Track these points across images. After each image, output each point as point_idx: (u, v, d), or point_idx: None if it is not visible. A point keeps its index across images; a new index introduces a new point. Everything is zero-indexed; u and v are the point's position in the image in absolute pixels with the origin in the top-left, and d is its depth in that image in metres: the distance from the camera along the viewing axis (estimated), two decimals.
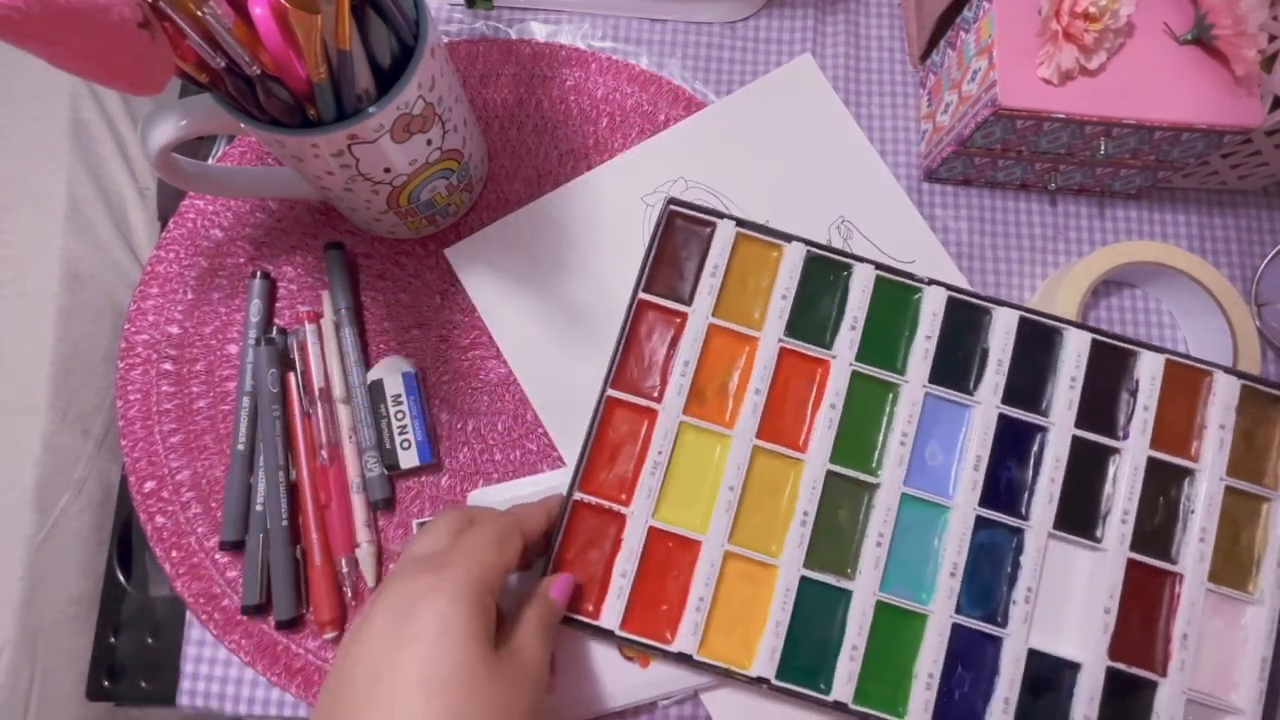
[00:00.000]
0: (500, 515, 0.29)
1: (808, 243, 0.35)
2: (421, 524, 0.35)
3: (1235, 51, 0.32)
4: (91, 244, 0.40)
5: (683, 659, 0.31)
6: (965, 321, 0.35)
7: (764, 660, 0.31)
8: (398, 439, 0.35)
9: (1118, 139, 0.35)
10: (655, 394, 0.34)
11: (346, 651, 0.24)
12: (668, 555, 0.33)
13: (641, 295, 0.35)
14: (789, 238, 0.35)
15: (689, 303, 0.35)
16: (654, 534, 0.33)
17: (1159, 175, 0.38)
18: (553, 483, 0.33)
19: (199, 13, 0.22)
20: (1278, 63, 0.33)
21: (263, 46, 0.24)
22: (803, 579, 0.32)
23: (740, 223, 0.35)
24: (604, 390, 0.34)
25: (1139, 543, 0.33)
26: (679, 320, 0.35)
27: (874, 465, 0.33)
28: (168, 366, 0.37)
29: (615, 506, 0.33)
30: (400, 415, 0.35)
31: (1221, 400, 0.34)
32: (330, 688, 0.24)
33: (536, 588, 0.30)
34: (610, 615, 0.32)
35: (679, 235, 0.36)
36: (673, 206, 0.36)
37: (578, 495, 0.33)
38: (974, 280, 0.39)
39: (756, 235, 0.36)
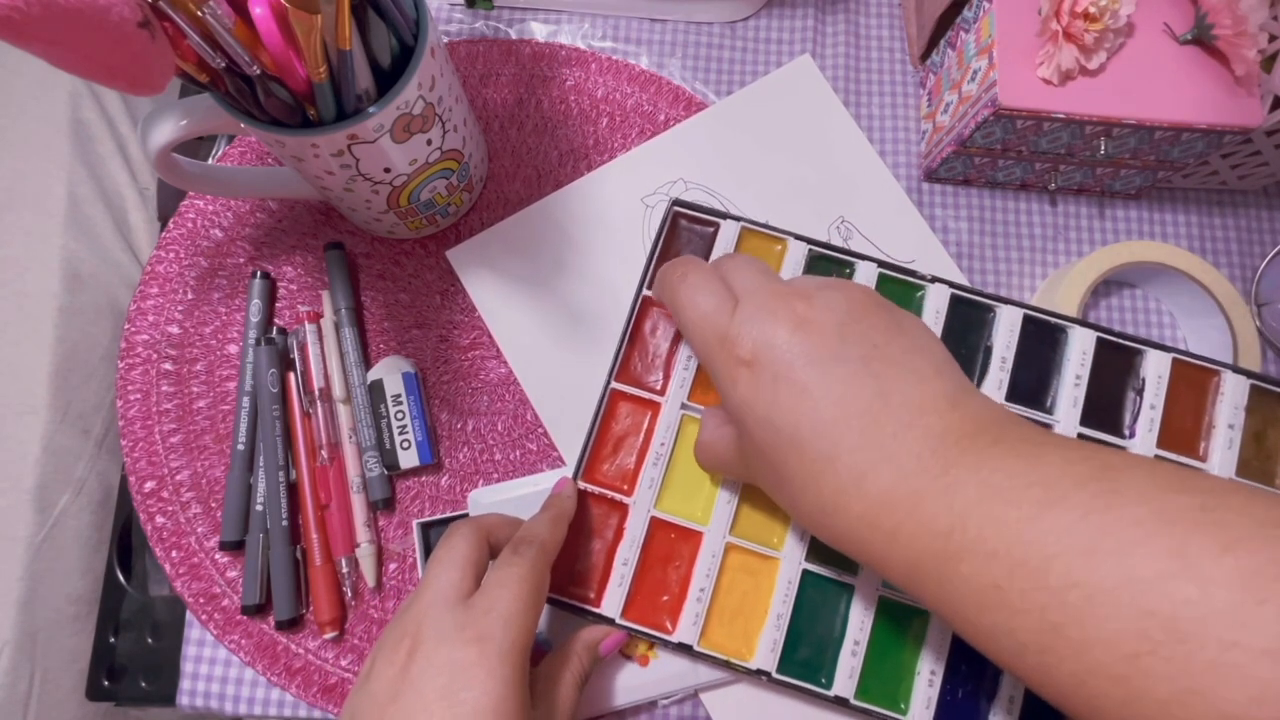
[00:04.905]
0: (526, 546, 0.28)
1: (810, 241, 0.35)
2: (423, 525, 0.35)
3: (1235, 51, 0.32)
4: (91, 244, 0.40)
5: (683, 649, 0.31)
6: (969, 319, 0.35)
7: (765, 653, 0.31)
8: (398, 439, 0.35)
9: (1118, 139, 0.35)
10: (659, 388, 0.34)
11: (384, 711, 0.24)
12: (669, 545, 0.33)
13: (646, 293, 0.35)
14: (791, 237, 0.35)
15: None
16: (656, 524, 0.33)
17: (1159, 175, 0.38)
18: (552, 482, 0.33)
19: (199, 13, 0.22)
20: (1278, 63, 0.33)
21: (263, 46, 0.24)
22: (805, 572, 0.32)
23: (742, 222, 0.36)
24: (608, 383, 0.34)
25: None
26: None
27: None
28: (168, 366, 0.37)
29: (618, 496, 0.33)
30: (400, 415, 0.35)
31: (1230, 400, 0.33)
32: None
33: (573, 644, 0.30)
34: (611, 603, 0.32)
35: (682, 235, 0.36)
36: (676, 207, 0.36)
37: (580, 484, 0.33)
38: (974, 280, 0.39)
39: (760, 229, 0.36)
